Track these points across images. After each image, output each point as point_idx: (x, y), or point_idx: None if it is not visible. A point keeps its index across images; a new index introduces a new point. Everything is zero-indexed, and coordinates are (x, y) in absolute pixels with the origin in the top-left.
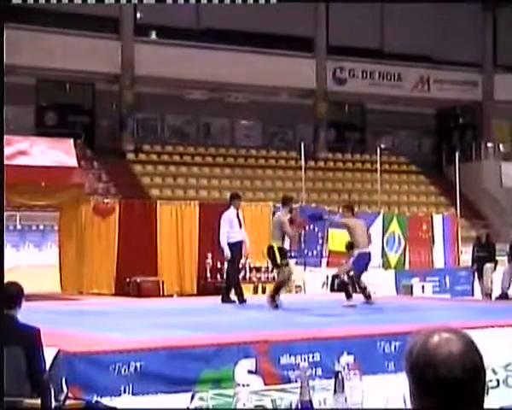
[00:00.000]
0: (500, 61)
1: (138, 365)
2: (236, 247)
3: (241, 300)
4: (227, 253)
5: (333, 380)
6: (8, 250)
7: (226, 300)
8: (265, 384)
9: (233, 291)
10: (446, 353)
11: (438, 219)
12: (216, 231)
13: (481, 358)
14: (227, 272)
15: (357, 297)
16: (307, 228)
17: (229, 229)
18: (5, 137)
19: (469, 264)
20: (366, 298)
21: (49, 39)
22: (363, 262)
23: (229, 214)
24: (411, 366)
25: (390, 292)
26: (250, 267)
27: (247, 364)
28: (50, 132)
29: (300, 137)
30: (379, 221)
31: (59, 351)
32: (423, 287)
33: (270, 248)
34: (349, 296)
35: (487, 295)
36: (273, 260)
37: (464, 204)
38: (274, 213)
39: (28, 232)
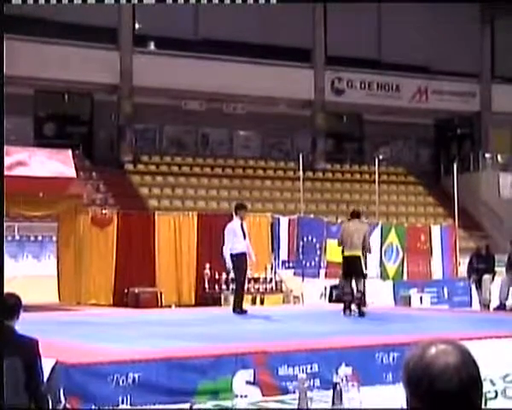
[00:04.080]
0: (498, 71)
1: (136, 375)
2: (240, 257)
3: (240, 310)
4: (229, 264)
5: (331, 391)
6: (7, 261)
7: (238, 310)
8: (263, 395)
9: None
10: (443, 364)
11: (436, 230)
12: (214, 241)
13: (478, 369)
14: (235, 281)
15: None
16: (305, 239)
17: (234, 239)
18: (4, 147)
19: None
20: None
21: (47, 50)
22: None
23: (233, 225)
24: (408, 378)
25: (388, 303)
26: (249, 278)
27: (245, 375)
28: (49, 143)
29: (299, 148)
30: (377, 232)
31: (57, 362)
32: (421, 298)
33: (357, 258)
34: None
35: (485, 305)
36: (359, 270)
37: (462, 215)
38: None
39: (26, 243)
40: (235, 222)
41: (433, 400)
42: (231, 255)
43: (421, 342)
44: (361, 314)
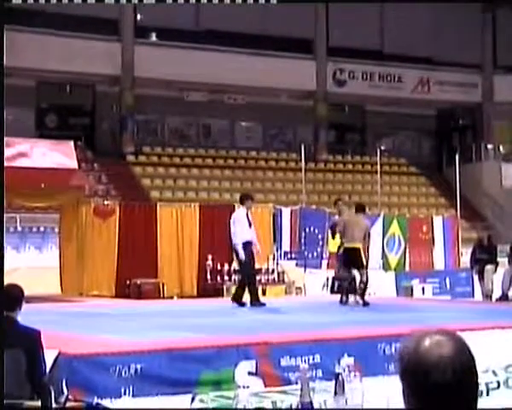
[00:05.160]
0: (500, 62)
1: (138, 367)
2: (248, 247)
3: (256, 302)
4: (242, 255)
5: (333, 382)
6: (9, 252)
7: (255, 303)
8: (266, 386)
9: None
10: (437, 356)
11: (438, 221)
12: (216, 232)
13: (473, 360)
14: (242, 273)
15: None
16: (307, 230)
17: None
18: (5, 139)
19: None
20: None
21: (49, 41)
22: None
23: (240, 215)
24: (403, 371)
25: (390, 293)
26: None
27: (247, 365)
28: (51, 134)
29: (300, 139)
30: (379, 223)
31: (59, 353)
32: (423, 288)
33: (357, 250)
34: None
35: (488, 296)
36: (360, 261)
37: (464, 205)
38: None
39: (28, 234)
40: (242, 212)
41: (428, 392)
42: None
43: (415, 334)
44: (365, 304)
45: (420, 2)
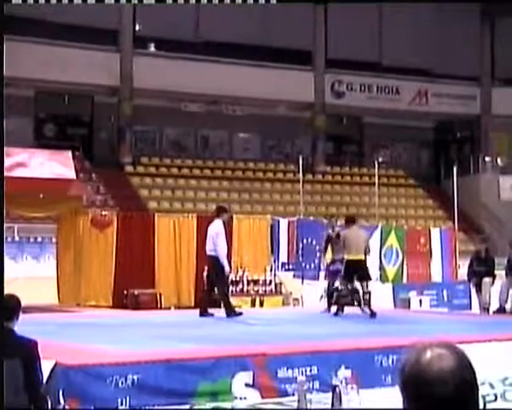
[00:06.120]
0: (498, 74)
1: (135, 377)
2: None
3: (235, 313)
4: (227, 268)
5: (330, 394)
6: (6, 262)
7: (232, 313)
8: (262, 397)
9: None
10: (438, 370)
11: (435, 233)
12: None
13: (474, 373)
14: (218, 285)
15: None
16: (305, 241)
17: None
18: (4, 148)
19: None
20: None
21: (48, 51)
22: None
23: (222, 227)
24: (404, 383)
25: (387, 305)
26: (248, 280)
27: (244, 377)
28: (49, 144)
29: (298, 150)
30: (377, 234)
31: (56, 363)
32: (421, 300)
33: (363, 262)
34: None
35: (485, 309)
36: (366, 273)
37: (462, 218)
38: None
39: (26, 244)
40: (221, 224)
41: (428, 404)
42: (217, 258)
43: (417, 346)
44: (372, 314)
45: (418, 15)
